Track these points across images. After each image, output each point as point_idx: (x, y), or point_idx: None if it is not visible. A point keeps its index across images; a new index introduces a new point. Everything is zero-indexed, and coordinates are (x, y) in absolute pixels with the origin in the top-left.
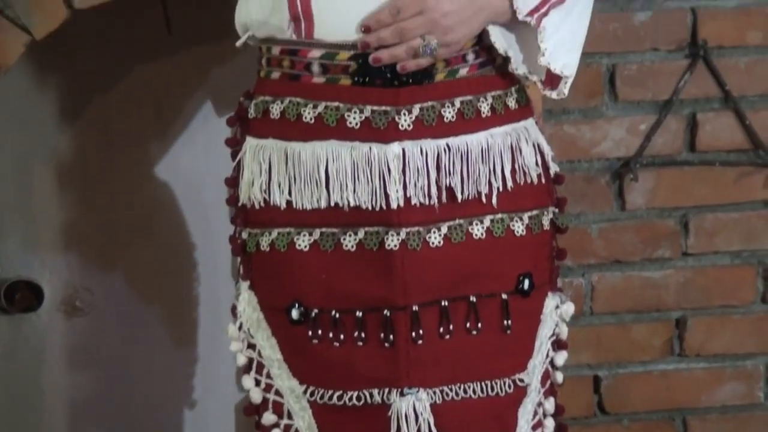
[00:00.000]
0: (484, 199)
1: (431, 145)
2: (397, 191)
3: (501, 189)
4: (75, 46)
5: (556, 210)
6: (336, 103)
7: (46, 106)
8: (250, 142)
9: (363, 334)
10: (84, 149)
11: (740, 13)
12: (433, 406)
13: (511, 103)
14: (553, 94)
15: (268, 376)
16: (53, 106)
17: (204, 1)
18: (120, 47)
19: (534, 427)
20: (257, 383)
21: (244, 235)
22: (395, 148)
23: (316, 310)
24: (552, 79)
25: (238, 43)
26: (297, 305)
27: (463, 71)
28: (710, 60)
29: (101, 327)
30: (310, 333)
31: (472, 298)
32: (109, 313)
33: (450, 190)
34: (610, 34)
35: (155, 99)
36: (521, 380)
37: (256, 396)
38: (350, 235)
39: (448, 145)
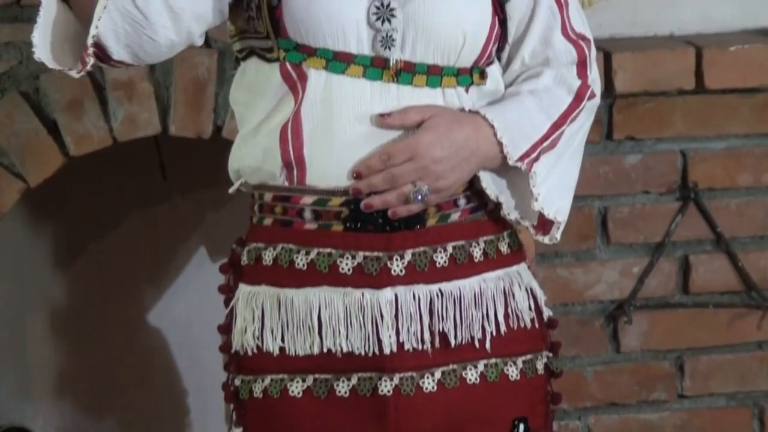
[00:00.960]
0: (477, 344)
1: (424, 291)
2: (390, 336)
3: (494, 334)
4: (70, 192)
5: (551, 354)
6: (328, 250)
7: (40, 253)
8: (243, 289)
9: None
10: (78, 295)
11: (729, 155)
12: None
13: (504, 247)
14: (546, 239)
15: None
16: (47, 252)
17: (198, 147)
18: (115, 193)
19: None
20: None
21: (237, 382)
22: (388, 293)
23: None
24: (544, 224)
25: (231, 190)
26: None
27: (455, 216)
28: (701, 202)
29: None
30: None
31: None
32: None
33: (443, 335)
34: (601, 178)
35: (150, 244)
36: None
37: None
38: (343, 381)
39: (440, 291)
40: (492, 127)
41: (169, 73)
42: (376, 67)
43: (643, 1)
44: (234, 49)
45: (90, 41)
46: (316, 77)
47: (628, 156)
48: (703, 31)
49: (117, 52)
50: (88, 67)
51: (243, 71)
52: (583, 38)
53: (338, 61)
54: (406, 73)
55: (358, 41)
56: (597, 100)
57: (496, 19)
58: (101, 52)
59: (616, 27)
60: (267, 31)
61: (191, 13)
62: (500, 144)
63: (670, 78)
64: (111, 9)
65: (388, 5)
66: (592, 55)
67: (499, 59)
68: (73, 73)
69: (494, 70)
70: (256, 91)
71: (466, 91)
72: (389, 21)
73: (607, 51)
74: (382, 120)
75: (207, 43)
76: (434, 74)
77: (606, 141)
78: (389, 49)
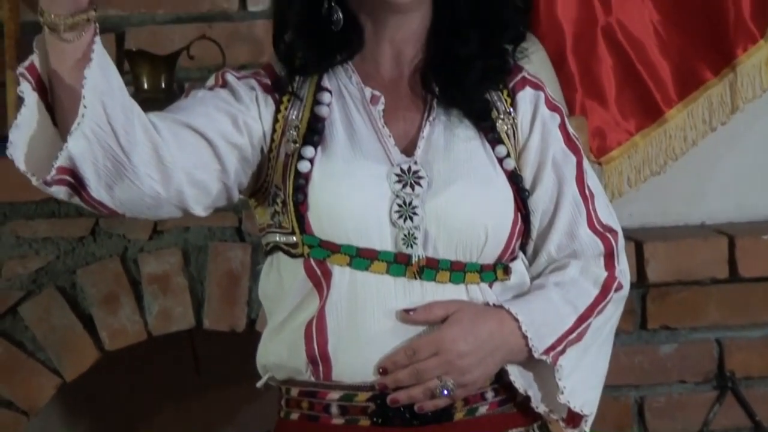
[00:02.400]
0: None
1: None
2: None
3: None
4: (104, 385)
5: None
6: None
7: None
8: None
9: None
10: None
11: (766, 344)
12: None
13: None
14: None
15: None
16: None
17: (232, 341)
18: (149, 387)
19: None
20: None
21: None
22: None
23: None
24: (573, 417)
25: (259, 384)
26: None
27: (483, 409)
28: (739, 391)
29: None
30: None
31: None
32: None
33: None
34: (637, 367)
35: None
36: None
37: None
38: None
39: None
40: (517, 320)
41: (204, 267)
42: (400, 263)
43: (673, 191)
44: (262, 242)
45: (57, 162)
46: (340, 274)
47: (663, 345)
48: (735, 220)
49: (96, 189)
50: (54, 189)
51: (269, 265)
52: (611, 230)
53: (362, 258)
54: (429, 269)
55: (381, 238)
56: (625, 292)
57: (519, 215)
58: (78, 183)
59: (647, 216)
60: (292, 227)
61: (183, 172)
62: (525, 337)
63: (703, 267)
64: (92, 141)
65: (410, 203)
66: (620, 246)
67: (524, 252)
68: (34, 180)
69: (518, 265)
70: (281, 286)
71: (490, 286)
72: (411, 219)
73: (638, 240)
74: (407, 316)
75: (240, 237)
76: (457, 270)
77: (640, 330)
78: (411, 246)
